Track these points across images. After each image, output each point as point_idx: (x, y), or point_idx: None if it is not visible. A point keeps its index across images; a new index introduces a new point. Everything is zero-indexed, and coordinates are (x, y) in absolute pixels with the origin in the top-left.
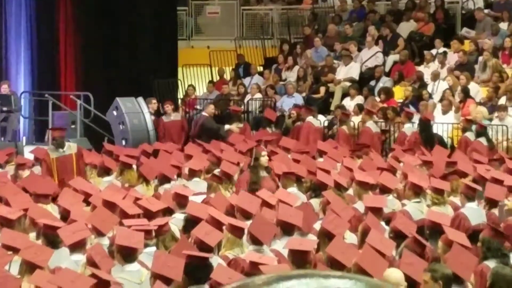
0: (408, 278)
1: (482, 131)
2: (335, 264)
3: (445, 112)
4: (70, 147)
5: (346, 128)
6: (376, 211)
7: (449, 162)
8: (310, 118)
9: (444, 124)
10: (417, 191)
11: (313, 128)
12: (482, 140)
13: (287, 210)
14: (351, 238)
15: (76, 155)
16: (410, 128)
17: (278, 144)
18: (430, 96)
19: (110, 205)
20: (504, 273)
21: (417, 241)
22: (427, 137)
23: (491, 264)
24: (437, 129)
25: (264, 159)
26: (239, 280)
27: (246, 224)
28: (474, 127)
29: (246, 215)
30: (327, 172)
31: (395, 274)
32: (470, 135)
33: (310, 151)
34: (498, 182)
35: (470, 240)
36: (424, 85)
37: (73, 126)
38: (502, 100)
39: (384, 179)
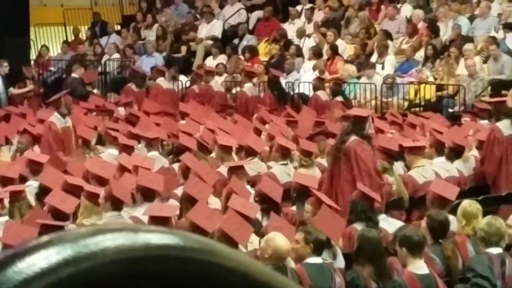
0: None
1: (338, 90)
2: (197, 230)
3: (313, 69)
4: (67, 119)
5: (196, 87)
6: (239, 171)
7: (317, 122)
8: (160, 80)
9: (311, 83)
10: (284, 153)
11: (161, 90)
12: (339, 98)
13: (147, 175)
14: (215, 203)
15: (73, 128)
16: (251, 88)
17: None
18: (298, 54)
19: None
20: (370, 236)
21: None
22: (280, 94)
23: (359, 227)
24: (303, 88)
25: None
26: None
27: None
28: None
29: (101, 182)
30: (190, 135)
31: (279, 240)
32: (322, 94)
33: (173, 113)
34: None
35: None
36: (289, 43)
37: None
38: (372, 58)
39: (250, 141)
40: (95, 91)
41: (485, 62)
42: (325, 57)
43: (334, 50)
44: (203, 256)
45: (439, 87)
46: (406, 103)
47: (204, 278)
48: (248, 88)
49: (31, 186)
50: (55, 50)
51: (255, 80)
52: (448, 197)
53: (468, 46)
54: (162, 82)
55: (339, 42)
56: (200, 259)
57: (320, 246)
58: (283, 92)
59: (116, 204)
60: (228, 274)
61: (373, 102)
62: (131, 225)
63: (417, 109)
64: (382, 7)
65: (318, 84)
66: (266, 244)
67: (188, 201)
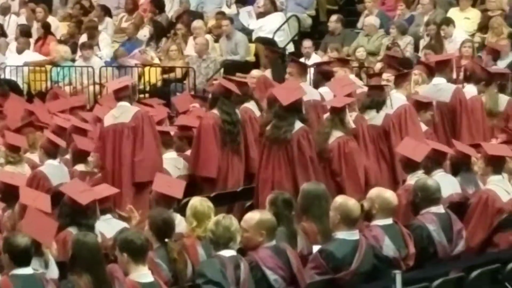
0: None
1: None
2: None
3: (20, 51)
4: None
5: None
6: None
7: (27, 112)
8: None
9: (19, 67)
10: None
11: None
12: None
13: None
14: None
15: None
16: None
17: None
18: (2, 33)
19: None
20: (86, 241)
21: None
22: None
23: (75, 230)
24: (10, 73)
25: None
26: None
27: None
28: None
29: None
30: None
31: None
32: None
33: None
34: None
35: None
36: None
37: None
38: (84, 38)
39: None
40: None
41: (216, 41)
42: (35, 36)
43: (46, 29)
44: None
45: (166, 70)
46: None
47: None
48: None
49: None
50: None
51: None
52: (173, 194)
53: (197, 23)
54: None
55: (51, 20)
56: None
57: (24, 254)
58: None
59: None
60: None
61: (91, 88)
62: None
63: (142, 95)
64: None
65: None
66: None
67: None
